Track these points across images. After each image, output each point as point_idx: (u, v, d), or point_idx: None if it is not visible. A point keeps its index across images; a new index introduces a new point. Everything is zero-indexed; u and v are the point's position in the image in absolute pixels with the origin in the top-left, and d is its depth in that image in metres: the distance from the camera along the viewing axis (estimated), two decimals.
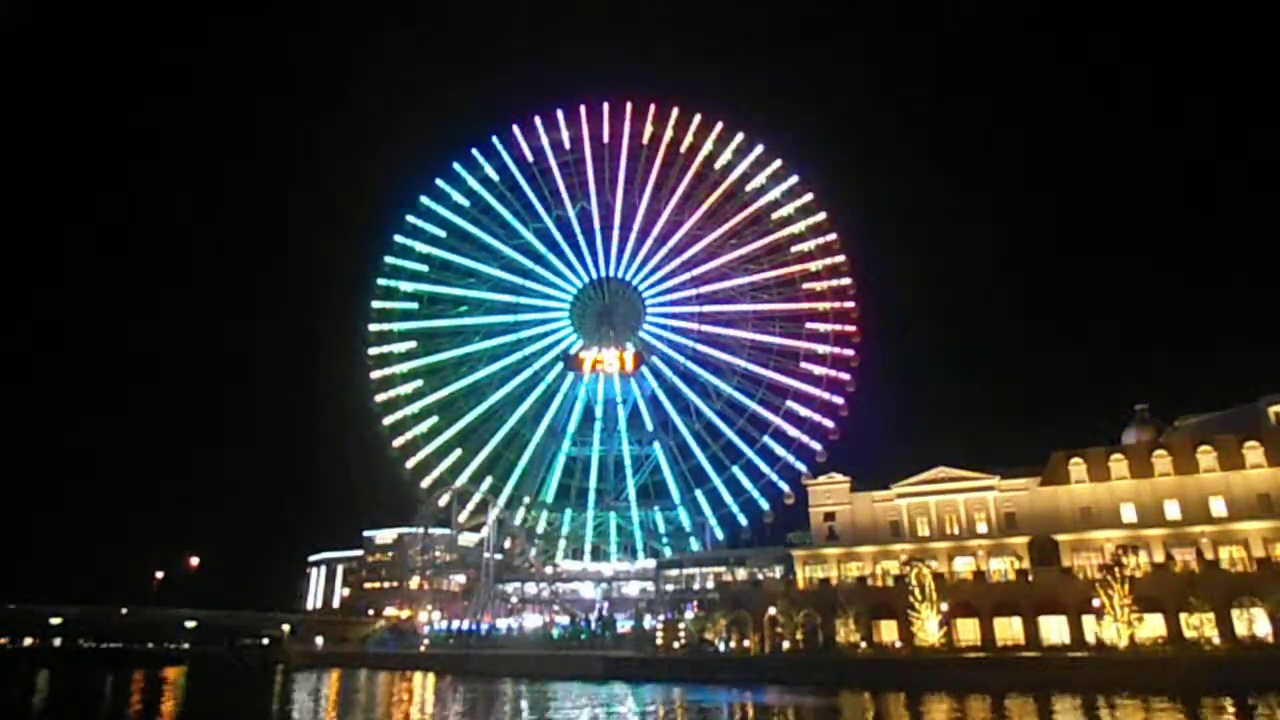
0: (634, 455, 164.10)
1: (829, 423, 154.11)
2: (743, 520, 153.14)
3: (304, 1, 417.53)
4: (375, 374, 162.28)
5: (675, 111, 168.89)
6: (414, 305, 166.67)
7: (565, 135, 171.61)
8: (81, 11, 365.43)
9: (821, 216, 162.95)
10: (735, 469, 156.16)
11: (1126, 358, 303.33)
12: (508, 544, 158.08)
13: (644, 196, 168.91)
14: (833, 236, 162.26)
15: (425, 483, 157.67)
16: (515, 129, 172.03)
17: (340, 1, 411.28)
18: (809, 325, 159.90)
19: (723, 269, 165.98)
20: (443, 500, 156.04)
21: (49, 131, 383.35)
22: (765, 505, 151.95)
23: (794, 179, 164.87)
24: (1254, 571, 78.00)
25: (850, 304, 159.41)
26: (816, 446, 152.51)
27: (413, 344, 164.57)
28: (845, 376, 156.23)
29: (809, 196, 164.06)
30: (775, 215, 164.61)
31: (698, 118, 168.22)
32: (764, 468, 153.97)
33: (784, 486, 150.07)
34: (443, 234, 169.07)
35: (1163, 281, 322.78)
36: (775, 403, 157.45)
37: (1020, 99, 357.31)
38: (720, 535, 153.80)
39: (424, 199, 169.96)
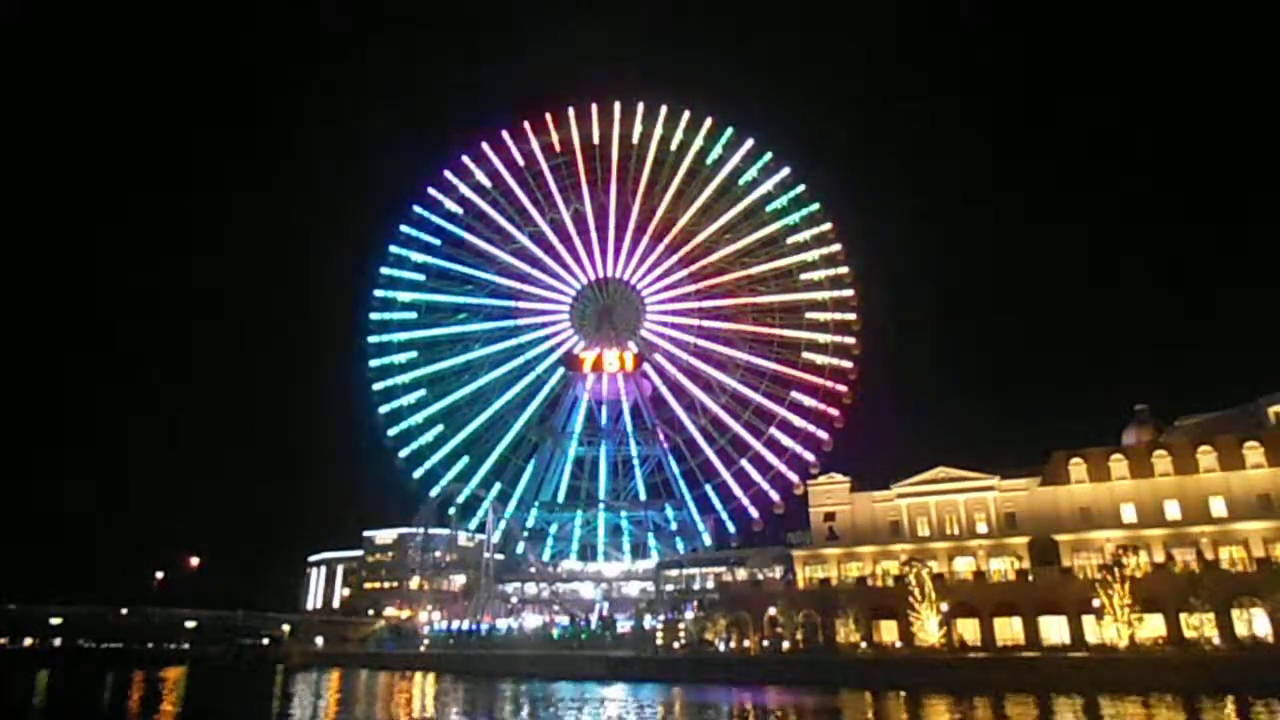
0: (640, 454, 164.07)
1: (834, 411, 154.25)
2: (753, 513, 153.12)
3: (294, 12, 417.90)
4: (377, 385, 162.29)
5: (664, 109, 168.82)
6: (412, 315, 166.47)
7: (555, 138, 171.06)
8: (80, 13, 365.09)
9: (815, 207, 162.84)
10: (744, 462, 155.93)
11: (1126, 358, 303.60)
12: (519, 547, 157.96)
13: (637, 195, 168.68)
14: (828, 227, 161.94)
15: (433, 491, 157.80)
16: (505, 134, 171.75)
17: (330, 11, 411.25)
18: (809, 315, 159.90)
19: (720, 264, 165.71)
20: (451, 509, 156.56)
21: (46, 133, 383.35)
22: (776, 497, 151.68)
23: (786, 171, 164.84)
24: (1254, 571, 77.95)
25: (848, 293, 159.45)
26: (823, 435, 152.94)
27: (413, 354, 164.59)
28: (847, 365, 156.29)
29: (802, 188, 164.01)
30: (769, 208, 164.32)
31: (686, 114, 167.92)
32: (772, 459, 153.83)
33: (793, 477, 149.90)
34: (438, 242, 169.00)
35: (1163, 281, 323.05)
36: (779, 394, 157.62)
37: (1020, 96, 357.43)
38: (732, 529, 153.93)
39: (417, 208, 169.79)
